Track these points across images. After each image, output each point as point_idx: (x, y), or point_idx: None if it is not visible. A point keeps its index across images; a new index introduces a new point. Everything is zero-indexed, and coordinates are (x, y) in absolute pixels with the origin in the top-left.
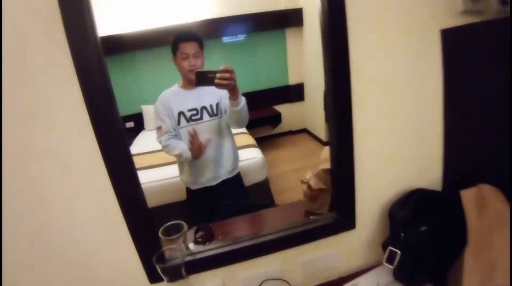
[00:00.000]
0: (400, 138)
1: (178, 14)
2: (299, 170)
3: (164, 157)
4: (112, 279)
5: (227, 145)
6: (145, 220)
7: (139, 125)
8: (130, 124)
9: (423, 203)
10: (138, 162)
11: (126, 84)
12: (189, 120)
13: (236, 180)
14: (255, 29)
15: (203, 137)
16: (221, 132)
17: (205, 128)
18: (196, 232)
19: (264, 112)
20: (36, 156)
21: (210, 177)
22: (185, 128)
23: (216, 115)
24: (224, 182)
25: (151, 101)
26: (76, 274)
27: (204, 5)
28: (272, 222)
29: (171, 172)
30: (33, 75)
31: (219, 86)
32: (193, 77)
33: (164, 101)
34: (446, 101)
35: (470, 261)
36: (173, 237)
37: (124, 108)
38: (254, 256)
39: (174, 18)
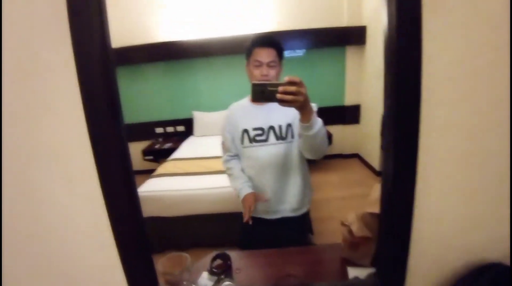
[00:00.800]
0: (477, 195)
1: (239, 25)
2: (346, 199)
3: (207, 165)
4: None
5: (294, 178)
6: (141, 251)
7: (189, 130)
8: (181, 128)
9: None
10: (179, 167)
11: (182, 89)
12: (252, 140)
13: (300, 221)
14: (315, 45)
15: (266, 162)
16: (289, 160)
17: (270, 152)
18: (213, 260)
19: None
20: (38, 163)
21: (267, 210)
22: (248, 149)
23: (284, 138)
24: (285, 220)
25: (203, 108)
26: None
27: (265, 18)
28: (303, 266)
29: (209, 182)
30: (37, 78)
31: (282, 102)
32: None
33: (231, 115)
34: None
35: None
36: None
37: (177, 112)
38: None
39: (236, 29)
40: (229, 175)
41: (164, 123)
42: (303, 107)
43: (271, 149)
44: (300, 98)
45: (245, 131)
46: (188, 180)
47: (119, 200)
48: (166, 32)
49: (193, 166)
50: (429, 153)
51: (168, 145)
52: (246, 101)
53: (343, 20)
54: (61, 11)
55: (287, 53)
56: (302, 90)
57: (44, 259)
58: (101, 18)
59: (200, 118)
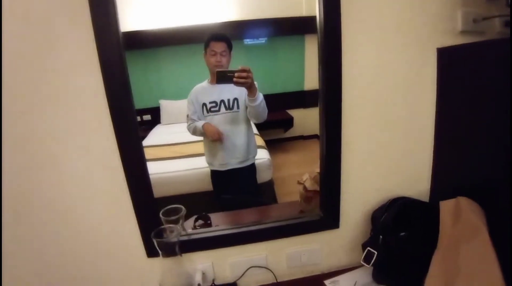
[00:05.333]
0: (390, 149)
1: (202, 14)
2: None
3: (177, 150)
4: (113, 251)
5: (240, 137)
6: (149, 199)
7: (156, 118)
8: (147, 117)
9: (405, 210)
10: (151, 153)
11: (147, 78)
12: (209, 111)
13: (247, 171)
14: (276, 33)
15: (218, 126)
16: (236, 124)
17: (221, 119)
18: (195, 221)
19: (277, 115)
20: (59, 136)
21: (221, 162)
22: (206, 117)
23: (231, 108)
24: (235, 170)
25: (169, 96)
26: (79, 244)
27: (228, 8)
28: (268, 217)
29: (183, 165)
30: (60, 64)
31: (237, 84)
32: None
33: (193, 93)
34: (438, 117)
35: (436, 265)
36: (172, 218)
37: (143, 101)
38: (242, 242)
39: (198, 18)
40: (193, 129)
41: None
42: (250, 86)
43: (222, 117)
44: (249, 80)
45: (204, 104)
46: (161, 164)
47: (133, 161)
48: (130, 22)
49: (164, 152)
50: (349, 118)
51: (140, 134)
52: (205, 83)
53: (302, 10)
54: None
55: (250, 41)
56: (250, 75)
57: (67, 219)
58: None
59: (167, 106)
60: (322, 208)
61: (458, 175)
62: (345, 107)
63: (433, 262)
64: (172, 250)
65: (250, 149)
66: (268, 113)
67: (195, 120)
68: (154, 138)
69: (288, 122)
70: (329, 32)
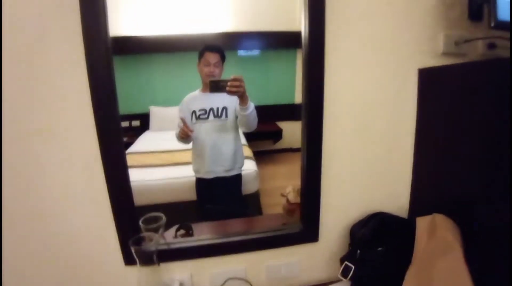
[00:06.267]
0: (371, 165)
1: (197, 23)
2: None
3: (164, 158)
4: (92, 256)
5: (227, 146)
6: (129, 207)
7: (145, 125)
8: (136, 123)
9: (383, 226)
10: (137, 159)
11: (138, 84)
12: (198, 118)
13: (232, 181)
14: (269, 46)
15: (206, 134)
16: (224, 132)
17: (209, 127)
18: (177, 230)
19: (266, 126)
20: (44, 136)
21: (207, 170)
22: (195, 124)
23: (220, 116)
24: (220, 179)
25: (160, 103)
26: (58, 247)
27: (223, 19)
28: (251, 229)
29: (169, 173)
30: (48, 65)
31: (229, 93)
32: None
33: (185, 101)
34: (418, 135)
35: (410, 280)
36: (151, 226)
37: (132, 106)
38: (222, 253)
39: (192, 27)
40: (176, 134)
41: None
42: (242, 95)
43: (210, 124)
44: (241, 89)
45: (194, 111)
46: (147, 171)
47: (114, 167)
48: (124, 27)
49: (151, 159)
50: (331, 133)
51: (124, 140)
52: (197, 91)
53: (295, 25)
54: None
55: (243, 53)
56: (242, 84)
57: (46, 221)
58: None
59: (157, 113)
60: (302, 220)
61: (436, 192)
62: (326, 122)
63: (406, 278)
64: (149, 258)
65: (237, 158)
66: (258, 124)
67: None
68: (141, 144)
69: (277, 134)
70: (313, 47)
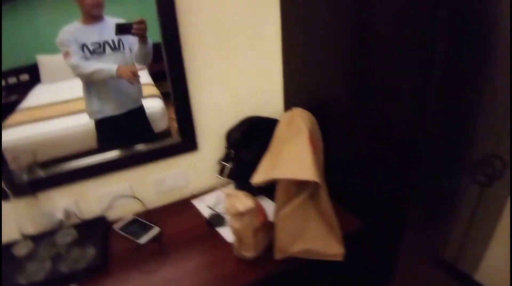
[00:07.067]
0: (243, 74)
1: None
2: None
3: (64, 108)
4: None
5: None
6: None
7: (35, 78)
8: (24, 77)
9: (256, 127)
10: (31, 115)
11: (19, 32)
12: (92, 52)
13: (141, 111)
14: None
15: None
16: (123, 64)
17: (111, 61)
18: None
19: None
20: None
21: (116, 105)
22: (89, 61)
23: (118, 49)
24: (130, 112)
25: (49, 50)
26: None
27: None
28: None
29: (70, 123)
30: None
31: (135, 35)
32: (95, 12)
33: (67, 33)
34: (284, 41)
35: (264, 162)
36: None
37: (17, 59)
38: (103, 172)
39: None
40: (86, 66)
41: (4, 75)
42: (143, 35)
43: (109, 59)
44: (145, 31)
45: (84, 45)
46: (43, 125)
47: None
48: None
49: (46, 112)
50: (194, 50)
51: (13, 98)
52: (77, 23)
53: None
54: None
55: None
56: (145, 26)
57: None
58: None
59: (47, 63)
60: (179, 132)
61: (305, 94)
62: (185, 34)
63: (261, 162)
64: (23, 190)
65: (140, 88)
66: (162, 62)
67: (81, 64)
68: (35, 98)
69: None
70: None
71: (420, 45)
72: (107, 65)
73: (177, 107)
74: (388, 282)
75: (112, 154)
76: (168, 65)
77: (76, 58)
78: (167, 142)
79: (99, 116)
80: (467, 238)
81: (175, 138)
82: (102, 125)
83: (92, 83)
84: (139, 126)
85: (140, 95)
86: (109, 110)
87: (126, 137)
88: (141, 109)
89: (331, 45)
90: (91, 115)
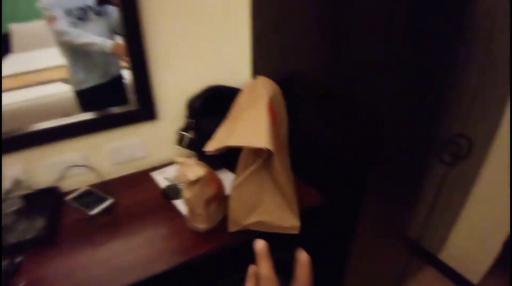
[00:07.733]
0: (207, 42)
1: None
2: None
3: (40, 77)
4: None
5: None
6: None
7: (5, 48)
8: None
9: (220, 97)
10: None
11: None
12: (79, 18)
13: (121, 79)
14: None
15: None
16: (109, 31)
17: (94, 28)
18: None
19: None
20: None
21: (101, 73)
22: (76, 28)
23: (101, 15)
24: (114, 79)
25: (22, 18)
26: None
27: None
28: None
29: (52, 90)
30: None
31: (114, 4)
32: None
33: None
34: (253, 8)
35: (221, 129)
36: None
37: None
38: (54, 139)
39: None
40: (76, 36)
41: None
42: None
43: (94, 25)
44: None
45: (69, 10)
46: (20, 93)
47: None
48: None
49: (23, 81)
50: (157, 13)
51: None
52: None
53: None
54: None
55: None
56: None
57: None
58: None
59: (20, 31)
60: (137, 99)
61: (273, 64)
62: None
63: (218, 129)
64: None
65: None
66: None
67: (70, 31)
68: (7, 68)
69: None
70: None
71: (382, 12)
72: (101, 39)
73: (134, 73)
74: (346, 259)
75: (67, 120)
76: (126, 29)
77: (63, 23)
78: (123, 108)
79: (85, 85)
80: (431, 217)
81: (132, 105)
82: (85, 95)
83: (77, 52)
84: (118, 95)
85: (120, 61)
86: (94, 79)
87: (106, 107)
88: (121, 76)
89: (303, 14)
90: (76, 85)
